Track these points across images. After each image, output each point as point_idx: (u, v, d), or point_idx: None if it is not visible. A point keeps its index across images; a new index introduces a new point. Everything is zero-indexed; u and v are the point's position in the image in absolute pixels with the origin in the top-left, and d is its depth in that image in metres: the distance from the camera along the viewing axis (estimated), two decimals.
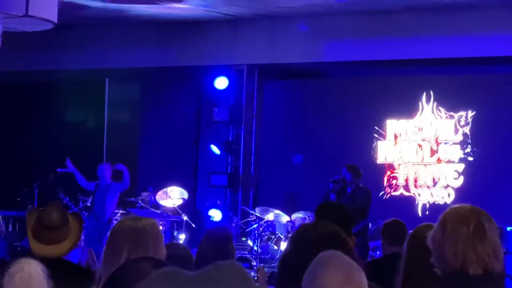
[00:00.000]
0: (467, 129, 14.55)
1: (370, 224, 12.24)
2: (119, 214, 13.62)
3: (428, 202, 14.76)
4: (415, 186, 14.92)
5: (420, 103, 14.86)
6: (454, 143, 14.67)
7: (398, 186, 15.04)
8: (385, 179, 15.13)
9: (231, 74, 16.11)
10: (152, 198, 14.66)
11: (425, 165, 14.88)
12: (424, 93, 14.81)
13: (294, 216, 13.87)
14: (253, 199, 16.18)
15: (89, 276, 4.72)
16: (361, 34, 14.57)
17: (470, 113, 14.52)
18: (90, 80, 17.43)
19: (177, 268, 2.08)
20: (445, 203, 14.49)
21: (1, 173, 17.42)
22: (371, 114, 15.10)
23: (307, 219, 13.07)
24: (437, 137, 14.79)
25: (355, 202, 11.74)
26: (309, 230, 3.35)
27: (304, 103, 16.01)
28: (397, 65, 14.97)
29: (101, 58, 16.53)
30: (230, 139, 16.22)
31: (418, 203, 14.85)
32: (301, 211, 13.81)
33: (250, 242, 14.14)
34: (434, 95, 14.74)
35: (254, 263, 13.31)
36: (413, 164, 14.98)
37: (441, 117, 14.76)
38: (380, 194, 14.89)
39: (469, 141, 14.51)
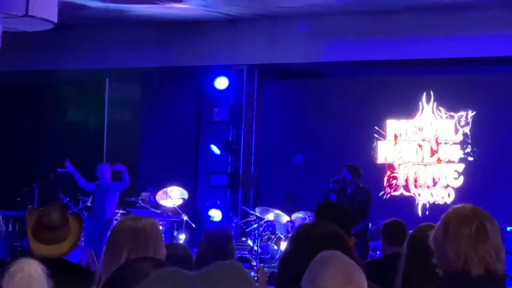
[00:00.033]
0: (467, 129, 14.55)
1: (370, 224, 12.24)
2: (119, 214, 13.62)
3: (428, 202, 14.76)
4: (415, 186, 14.92)
5: (420, 103, 14.86)
6: (454, 143, 14.67)
7: (398, 186, 15.04)
8: (385, 179, 15.13)
9: (231, 74, 16.12)
10: (152, 198, 14.65)
11: (425, 165, 14.88)
12: (424, 93, 14.81)
13: (294, 216, 13.87)
14: (253, 199, 16.18)
15: (89, 276, 4.71)
16: (361, 34, 14.57)
17: (470, 113, 14.52)
18: (90, 80, 17.43)
19: (178, 268, 2.08)
20: (445, 203, 14.49)
21: (1, 173, 17.42)
22: (371, 114, 15.10)
23: (307, 219, 13.07)
24: (437, 137, 14.79)
25: (355, 202, 11.74)
26: (309, 230, 3.36)
27: (304, 103, 16.01)
28: (397, 65, 14.97)
29: (101, 58, 16.53)
30: (230, 139, 16.23)
31: (418, 203, 14.85)
32: (301, 211, 13.81)
33: (250, 242, 14.14)
34: (434, 95, 14.74)
35: (254, 263, 13.31)
36: (413, 164, 14.98)
37: (441, 117, 14.76)
38: (380, 194, 14.89)
39: (469, 141, 14.51)
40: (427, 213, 14.61)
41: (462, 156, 14.57)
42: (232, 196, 16.17)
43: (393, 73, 15.51)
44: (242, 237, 14.85)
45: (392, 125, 15.12)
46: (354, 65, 15.37)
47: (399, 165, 15.08)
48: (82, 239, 11.17)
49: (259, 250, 13.65)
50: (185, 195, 14.75)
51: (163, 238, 4.15)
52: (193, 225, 14.22)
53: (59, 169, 14.06)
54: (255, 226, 13.96)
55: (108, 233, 3.98)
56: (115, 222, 5.20)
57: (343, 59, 15.05)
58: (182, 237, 14.18)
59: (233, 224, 14.71)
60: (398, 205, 14.67)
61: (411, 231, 4.55)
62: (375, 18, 14.31)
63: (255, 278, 7.75)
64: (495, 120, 14.28)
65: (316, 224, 3.52)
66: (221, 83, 16.14)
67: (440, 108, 14.73)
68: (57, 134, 17.29)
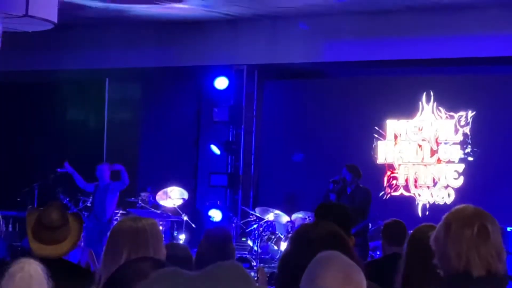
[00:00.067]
0: (467, 129, 14.55)
1: (370, 224, 12.24)
2: (119, 214, 13.62)
3: (428, 202, 14.76)
4: (415, 186, 14.92)
5: (420, 103, 14.86)
6: (454, 143, 14.67)
7: (398, 186, 15.03)
8: (385, 179, 15.13)
9: (231, 74, 16.11)
10: (151, 198, 14.65)
11: (425, 165, 14.88)
12: (424, 93, 14.81)
13: (294, 216, 13.86)
14: (253, 199, 16.18)
15: (89, 276, 4.71)
16: (361, 34, 14.57)
17: (470, 113, 14.52)
18: (90, 80, 17.43)
19: (178, 268, 2.08)
20: (445, 203, 14.49)
21: (1, 173, 17.42)
22: (371, 114, 15.10)
23: (307, 219, 13.06)
24: (437, 137, 14.79)
25: (355, 202, 11.74)
26: (309, 230, 3.36)
27: (304, 103, 16.01)
28: (397, 65, 14.97)
29: (101, 58, 16.53)
30: (230, 139, 16.23)
31: (418, 203, 14.85)
32: (301, 211, 13.81)
33: (250, 242, 14.14)
34: (434, 95, 14.74)
35: (254, 263, 13.31)
36: (413, 164, 14.98)
37: (441, 117, 14.76)
38: (380, 194, 14.89)
39: (469, 141, 14.51)
40: (427, 213, 14.61)
41: (462, 156, 14.57)
42: (232, 196, 16.17)
43: (393, 73, 15.51)
44: (242, 237, 14.84)
45: (392, 125, 15.12)
46: (354, 65, 15.36)
47: (399, 165, 15.08)
48: (82, 239, 11.17)
49: (259, 250, 13.65)
50: (185, 195, 14.74)
51: (163, 238, 4.15)
52: (193, 225, 14.22)
53: (59, 169, 14.06)
54: (255, 226, 13.96)
55: (108, 233, 3.98)
56: (115, 222, 5.20)
57: (343, 59, 15.05)
58: (182, 237, 14.18)
59: (233, 225, 14.70)
60: (398, 205, 14.67)
61: (411, 231, 4.55)
62: (375, 18, 14.31)
63: (255, 278, 7.75)
64: (495, 120, 14.28)
65: (316, 224, 3.52)
66: (221, 83, 16.14)
67: (440, 108, 14.73)
68: (57, 134, 17.29)
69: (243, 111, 16.05)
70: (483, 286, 3.35)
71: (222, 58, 15.79)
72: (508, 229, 12.78)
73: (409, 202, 14.86)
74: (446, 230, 3.44)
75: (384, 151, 15.18)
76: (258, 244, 13.68)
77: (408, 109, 14.93)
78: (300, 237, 3.32)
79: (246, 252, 14.03)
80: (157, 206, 14.61)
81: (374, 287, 3.67)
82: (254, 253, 13.68)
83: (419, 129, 14.92)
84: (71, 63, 16.59)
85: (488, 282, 3.36)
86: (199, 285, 2.00)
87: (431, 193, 14.79)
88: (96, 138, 17.16)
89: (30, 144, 17.71)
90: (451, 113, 14.67)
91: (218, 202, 15.78)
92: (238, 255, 13.42)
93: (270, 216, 14.00)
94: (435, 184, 14.77)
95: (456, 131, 14.63)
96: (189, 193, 15.03)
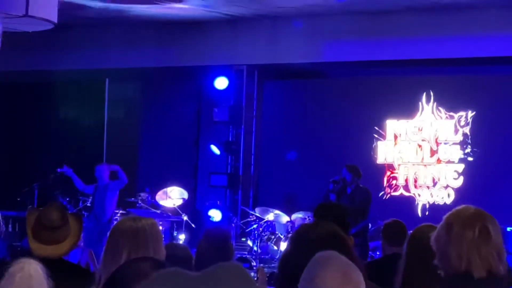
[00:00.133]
0: (467, 129, 14.55)
1: (370, 224, 12.24)
2: (119, 214, 13.62)
3: (428, 203, 14.76)
4: (415, 186, 14.91)
5: (420, 103, 14.86)
6: (454, 143, 14.67)
7: (398, 186, 15.04)
8: (385, 179, 15.13)
9: (231, 74, 16.12)
10: (150, 198, 14.64)
11: (425, 165, 14.88)
12: (424, 93, 14.81)
13: (294, 216, 13.86)
14: (253, 199, 16.18)
15: (89, 276, 4.71)
16: (361, 34, 14.57)
17: (470, 113, 14.52)
18: (90, 80, 17.42)
19: (179, 268, 2.08)
20: (445, 203, 14.49)
21: (1, 173, 17.42)
22: (371, 114, 15.10)
23: (307, 219, 13.06)
24: (437, 137, 14.79)
25: (355, 202, 11.74)
26: (309, 230, 3.36)
27: (304, 103, 16.01)
28: (397, 65, 14.97)
29: (101, 58, 16.53)
30: (230, 139, 16.23)
31: (418, 203, 14.85)
32: (301, 211, 13.80)
33: (250, 243, 14.14)
34: (434, 95, 14.74)
35: (254, 263, 13.30)
36: (413, 164, 14.98)
37: (441, 117, 14.76)
38: (380, 194, 14.89)
39: (469, 141, 14.51)
40: (427, 213, 14.61)
41: (462, 156, 14.57)
42: (232, 196, 16.17)
43: (393, 73, 15.51)
44: (242, 238, 14.84)
45: (392, 125, 15.12)
46: (354, 65, 15.37)
47: (399, 165, 15.09)
48: (82, 239, 11.17)
49: (259, 251, 13.65)
50: (185, 195, 14.74)
51: (163, 238, 4.15)
52: (193, 225, 14.21)
53: (59, 169, 14.06)
54: (255, 226, 13.96)
55: (108, 233, 3.98)
56: (115, 222, 5.20)
57: (343, 59, 15.05)
58: (182, 237, 14.18)
59: (233, 225, 14.70)
60: (398, 205, 14.67)
61: (411, 231, 4.54)
62: (375, 18, 14.31)
63: (255, 278, 7.75)
64: (495, 120, 14.28)
65: (316, 224, 3.52)
66: (221, 83, 16.14)
67: (440, 108, 14.74)
68: (57, 134, 17.29)
69: (243, 111, 16.05)
70: (484, 286, 3.36)
71: (222, 58, 15.79)
72: (508, 229, 12.78)
73: (409, 202, 14.86)
74: (447, 231, 3.45)
75: (384, 151, 15.18)
76: (258, 244, 13.68)
77: (408, 109, 14.93)
78: (300, 237, 3.32)
79: (246, 252, 14.03)
80: (156, 206, 14.61)
81: (374, 287, 3.67)
82: (254, 253, 13.68)
83: (419, 129, 14.92)
84: (71, 63, 16.59)
85: (489, 282, 3.36)
86: (200, 285, 2.00)
87: (431, 193, 14.79)
88: (96, 138, 17.16)
89: (30, 144, 17.71)
90: (451, 113, 14.67)
91: (218, 202, 15.78)
92: (238, 255, 13.42)
93: (270, 216, 14.00)
94: (435, 184, 14.77)
95: (456, 131, 14.63)
96: (189, 193, 15.03)
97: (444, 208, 13.63)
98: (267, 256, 13.76)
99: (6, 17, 11.09)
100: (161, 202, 14.59)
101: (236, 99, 16.11)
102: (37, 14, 10.98)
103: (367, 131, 15.18)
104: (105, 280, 3.30)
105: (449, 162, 14.69)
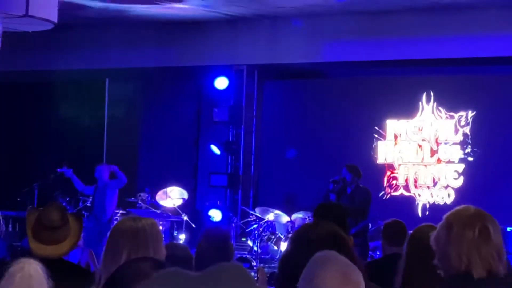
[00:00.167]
0: (467, 129, 14.55)
1: (370, 224, 12.24)
2: (119, 214, 13.63)
3: (428, 203, 14.76)
4: (415, 186, 14.91)
5: (420, 103, 14.86)
6: (454, 143, 14.67)
7: (398, 186, 15.03)
8: (385, 179, 15.12)
9: (231, 74, 16.11)
10: (149, 198, 14.64)
11: (425, 165, 14.88)
12: (424, 93, 14.81)
13: (294, 216, 13.86)
14: (253, 199, 16.18)
15: (89, 276, 4.71)
16: (361, 34, 14.57)
17: (470, 113, 14.52)
18: (90, 80, 17.42)
19: (180, 268, 2.08)
20: (445, 203, 14.49)
21: (1, 173, 17.42)
22: (371, 114, 15.10)
23: (307, 219, 13.05)
24: (437, 137, 14.79)
25: (355, 203, 11.74)
26: (309, 230, 3.36)
27: (304, 103, 16.01)
28: (397, 65, 14.97)
29: (101, 58, 16.53)
30: (230, 139, 16.22)
31: (418, 203, 14.85)
32: (301, 211, 13.80)
33: (250, 243, 14.13)
34: (434, 95, 14.74)
35: (254, 263, 13.30)
36: (413, 164, 14.98)
37: (441, 117, 14.76)
38: (380, 194, 14.89)
39: (469, 141, 14.51)
40: (427, 213, 14.61)
41: (462, 156, 14.57)
42: (232, 196, 16.17)
43: (393, 73, 15.51)
44: (242, 238, 14.84)
45: (392, 125, 15.12)
46: (354, 65, 15.36)
47: (399, 165, 15.08)
48: (82, 239, 11.16)
49: (259, 251, 13.65)
50: (185, 195, 14.74)
51: (163, 238, 4.15)
52: (193, 225, 14.21)
53: (59, 169, 14.07)
54: (255, 226, 13.96)
55: (108, 233, 3.98)
56: (115, 222, 5.21)
57: (343, 59, 15.05)
58: (182, 237, 14.18)
59: (233, 225, 14.70)
60: (398, 205, 14.67)
61: (411, 231, 4.54)
62: (375, 18, 14.31)
63: (255, 278, 7.75)
64: (495, 120, 14.28)
65: (316, 224, 3.52)
66: (221, 83, 16.14)
67: (440, 108, 14.73)
68: (57, 134, 17.29)
69: (243, 111, 16.05)
70: (484, 286, 3.36)
71: (222, 58, 15.79)
72: (508, 229, 12.78)
73: (409, 202, 14.86)
74: (447, 231, 3.45)
75: (384, 151, 15.18)
76: (258, 244, 13.68)
77: (408, 109, 14.93)
78: (300, 237, 3.32)
79: (246, 252, 14.03)
80: (156, 206, 14.61)
81: (374, 287, 3.67)
82: (254, 253, 13.68)
83: (419, 129, 14.92)
84: (71, 63, 16.59)
85: (489, 282, 3.36)
86: (200, 285, 2.00)
87: (431, 193, 14.79)
88: (96, 138, 17.16)
89: (30, 144, 17.71)
90: (451, 113, 14.67)
91: (218, 202, 15.77)
92: (238, 255, 13.42)
93: (270, 216, 14.00)
94: (435, 184, 14.76)
95: (456, 131, 14.63)
96: (189, 193, 15.03)
97: (444, 208, 13.62)
98: (267, 256, 13.76)
99: (6, 17, 11.08)
100: (161, 202, 14.59)
101: (236, 99, 16.11)
102: (37, 14, 10.98)
103: (367, 131, 15.17)
104: (105, 280, 3.30)
105: (449, 162, 14.69)
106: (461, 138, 14.59)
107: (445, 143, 14.73)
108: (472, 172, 14.44)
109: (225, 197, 16.19)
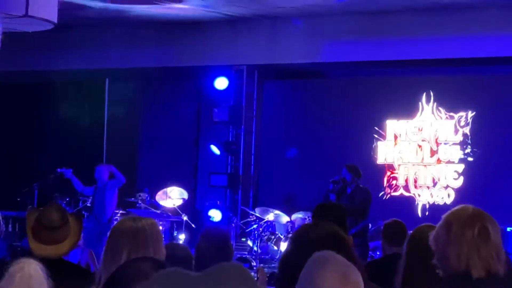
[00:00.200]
0: (467, 130, 14.55)
1: (370, 225, 12.24)
2: (119, 214, 13.63)
3: (428, 203, 14.76)
4: (415, 187, 14.91)
5: (420, 103, 14.86)
6: (454, 144, 14.67)
7: (398, 186, 15.03)
8: (385, 179, 15.12)
9: (231, 74, 16.12)
10: (148, 198, 14.64)
11: (425, 165, 14.88)
12: (424, 94, 14.80)
13: (294, 216, 13.86)
14: (253, 199, 16.18)
15: (89, 276, 4.71)
16: (361, 34, 14.57)
17: (470, 114, 14.52)
18: (90, 80, 17.42)
19: (181, 268, 2.09)
20: (445, 203, 14.49)
21: (1, 173, 17.42)
22: (371, 114, 15.10)
23: (307, 219, 13.06)
24: (437, 138, 14.79)
25: (355, 203, 11.74)
26: (309, 231, 3.36)
27: (304, 103, 16.01)
28: (397, 65, 14.97)
29: (101, 58, 16.53)
30: (230, 139, 16.23)
31: (418, 204, 14.85)
32: (301, 212, 13.80)
33: (250, 243, 14.13)
34: (434, 95, 14.74)
35: (254, 263, 13.30)
36: (413, 165, 14.98)
37: (441, 118, 14.76)
38: (380, 194, 14.89)
39: (469, 141, 14.51)
40: (427, 213, 14.61)
41: (462, 156, 14.57)
42: (232, 196, 16.17)
43: (393, 73, 15.51)
44: (242, 238, 14.84)
45: (392, 125, 15.12)
46: (354, 65, 15.36)
47: (399, 165, 15.08)
48: (82, 239, 11.17)
49: (259, 251, 13.65)
50: (185, 195, 14.74)
51: (163, 238, 4.15)
52: (193, 225, 14.21)
53: (58, 169, 14.07)
54: (255, 226, 13.96)
55: (108, 233, 3.98)
56: (115, 223, 5.21)
57: (343, 59, 15.05)
58: (182, 237, 14.18)
59: (233, 225, 14.70)
60: (398, 205, 14.67)
61: (411, 231, 4.54)
62: (375, 18, 14.31)
63: (255, 279, 7.75)
64: (495, 120, 14.28)
65: (316, 225, 3.52)
66: (221, 83, 16.14)
67: (440, 108, 14.73)
68: (57, 134, 17.29)
69: (243, 111, 16.05)
70: (483, 286, 3.36)
71: (222, 58, 15.79)
72: (508, 229, 12.78)
73: (409, 202, 14.86)
74: (446, 231, 3.45)
75: (384, 152, 15.18)
76: (258, 244, 13.68)
77: (408, 109, 14.93)
78: (300, 237, 3.32)
79: (246, 252, 14.03)
80: (156, 206, 14.61)
81: (374, 287, 3.67)
82: (254, 253, 13.68)
83: (419, 129, 14.92)
84: (71, 63, 16.59)
85: (488, 282, 3.36)
86: (200, 285, 2.00)
87: (431, 193, 14.79)
88: (96, 138, 17.16)
89: (30, 144, 17.71)
90: (451, 114, 14.67)
91: (218, 202, 15.77)
92: (238, 255, 13.42)
93: (270, 216, 14.00)
94: (435, 184, 14.76)
95: (456, 131, 14.63)
96: (189, 193, 15.02)
97: (444, 208, 13.60)
98: (267, 256, 13.76)
99: (6, 17, 11.08)
100: (161, 202, 14.59)
101: (236, 99, 16.11)
102: (37, 14, 10.98)
103: (367, 131, 15.17)
104: (105, 280, 3.30)
105: (449, 162, 14.69)
106: (461, 138, 14.59)
107: (445, 143, 14.73)
108: (472, 172, 14.44)
109: (225, 197, 16.19)
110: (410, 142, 15.01)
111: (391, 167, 15.14)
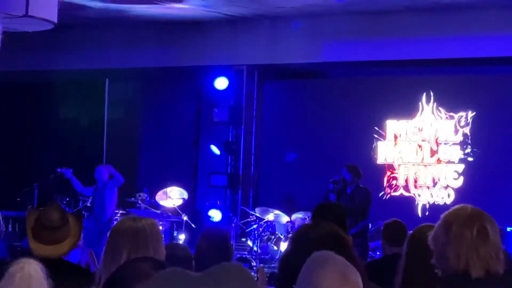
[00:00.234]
0: (467, 130, 14.55)
1: (370, 225, 12.24)
2: (119, 214, 13.63)
3: (428, 203, 14.76)
4: (415, 187, 14.91)
5: (420, 103, 14.86)
6: (454, 144, 14.67)
7: (398, 186, 15.03)
8: (385, 179, 15.12)
9: (231, 74, 16.11)
10: (148, 198, 14.64)
11: (425, 165, 14.88)
12: (424, 94, 14.80)
13: (294, 216, 13.86)
14: (253, 199, 16.18)
15: (89, 276, 4.71)
16: (361, 34, 14.57)
17: (470, 114, 14.52)
18: (90, 80, 17.42)
19: (181, 268, 2.09)
20: (445, 203, 14.49)
21: (1, 173, 17.42)
22: (371, 114, 15.10)
23: (307, 219, 13.06)
24: (437, 138, 14.79)
25: (355, 203, 11.74)
26: (309, 231, 3.36)
27: (304, 103, 16.01)
28: (397, 65, 14.97)
29: (101, 58, 16.53)
30: (230, 140, 16.22)
31: (418, 204, 14.85)
32: (301, 212, 13.80)
33: (250, 243, 14.13)
34: (434, 95, 14.74)
35: (254, 263, 13.30)
36: (413, 165, 14.98)
37: (441, 118, 14.76)
38: (380, 194, 14.89)
39: (469, 141, 14.51)
40: (427, 213, 14.61)
41: (462, 156, 14.57)
42: (232, 196, 16.17)
43: (393, 73, 15.51)
44: (242, 238, 14.84)
45: (392, 125, 15.12)
46: (354, 65, 15.36)
47: (399, 165, 15.08)
48: (82, 239, 11.17)
49: (259, 251, 13.65)
50: (185, 195, 14.74)
51: (163, 238, 4.15)
52: (193, 225, 14.21)
53: (58, 169, 14.07)
54: (255, 226, 13.96)
55: (108, 233, 3.98)
56: (115, 223, 5.21)
57: (343, 59, 15.05)
58: (182, 237, 14.18)
59: (233, 225, 14.70)
60: (398, 205, 14.67)
61: (411, 231, 4.54)
62: (375, 18, 14.31)
63: (255, 279, 7.75)
64: (495, 120, 14.28)
65: (317, 225, 3.52)
66: (221, 83, 16.14)
67: (440, 108, 14.73)
68: (57, 134, 17.29)
69: (243, 111, 16.05)
70: (482, 286, 3.36)
71: (222, 58, 15.79)
72: (508, 229, 12.78)
73: (409, 202, 14.86)
74: (445, 231, 3.44)
75: (384, 151, 15.18)
76: (258, 244, 13.68)
77: (408, 109, 14.93)
78: (300, 237, 3.32)
79: (246, 252, 14.03)
80: (156, 206, 14.61)
81: (374, 287, 3.67)
82: (254, 253, 13.68)
83: (419, 129, 14.92)
84: (71, 63, 16.59)
85: (487, 282, 3.36)
86: (201, 285, 2.00)
87: (431, 193, 14.79)
88: (96, 138, 17.16)
89: (30, 144, 17.71)
90: (451, 114, 14.67)
91: (218, 202, 15.77)
92: (238, 255, 13.42)
93: (270, 216, 14.00)
94: (435, 184, 14.76)
95: (456, 131, 14.63)
96: (189, 193, 15.02)
97: (444, 208, 13.54)
98: (267, 256, 13.76)
99: (6, 17, 11.08)
100: (161, 202, 14.59)
101: (236, 99, 16.11)
102: (37, 14, 10.98)
103: (367, 131, 15.17)
104: (105, 280, 3.30)
105: (449, 162, 14.69)
106: (461, 138, 14.59)
107: (445, 144, 14.73)
108: (472, 172, 14.44)
109: (225, 197, 16.19)
110: (410, 142, 15.01)
111: (391, 167, 15.14)
